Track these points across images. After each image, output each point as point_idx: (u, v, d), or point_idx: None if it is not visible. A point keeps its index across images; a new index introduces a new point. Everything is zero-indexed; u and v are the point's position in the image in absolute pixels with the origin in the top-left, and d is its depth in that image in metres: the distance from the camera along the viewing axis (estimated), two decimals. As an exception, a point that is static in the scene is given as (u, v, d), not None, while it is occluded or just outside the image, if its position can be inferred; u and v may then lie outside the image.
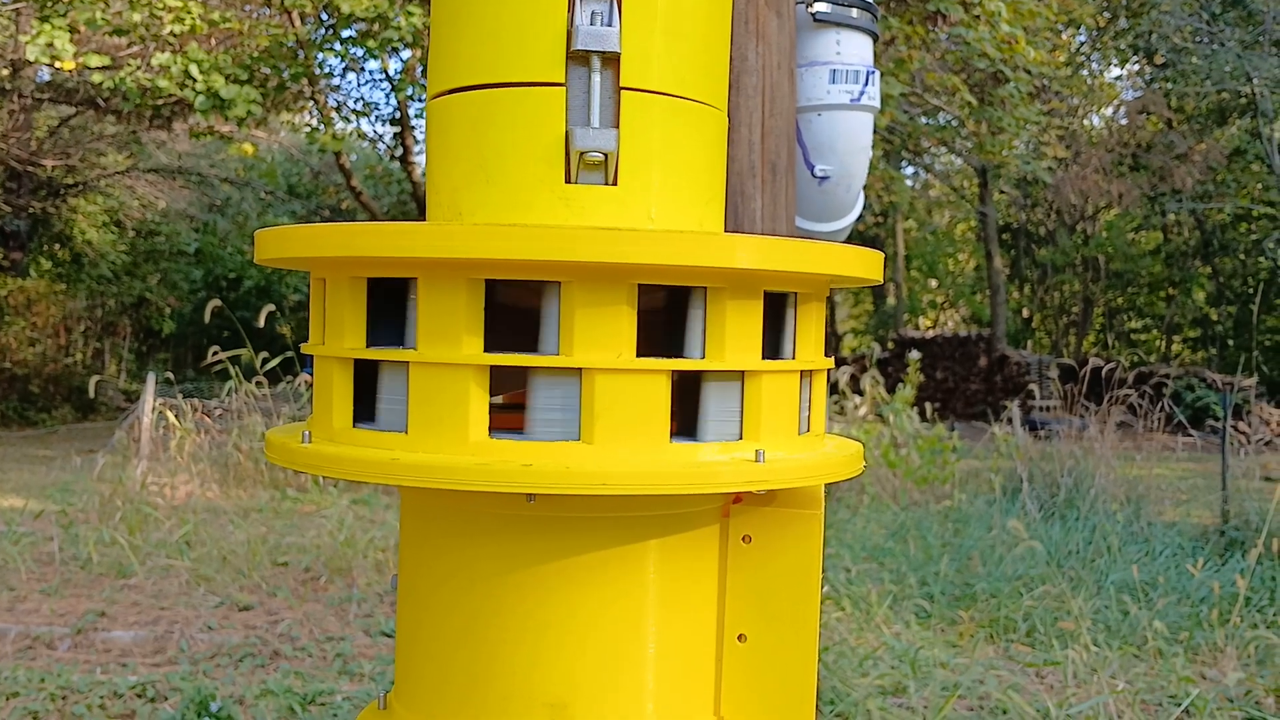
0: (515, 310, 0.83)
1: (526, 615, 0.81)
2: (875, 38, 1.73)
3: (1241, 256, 19.18)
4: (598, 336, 0.75)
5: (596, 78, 0.81)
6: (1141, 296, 21.57)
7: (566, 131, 0.81)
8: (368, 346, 0.81)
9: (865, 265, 0.84)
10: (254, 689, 3.57)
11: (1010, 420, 7.89)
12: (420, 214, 14.54)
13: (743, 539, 0.87)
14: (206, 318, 7.62)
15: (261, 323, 7.53)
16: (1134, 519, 6.33)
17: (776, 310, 0.85)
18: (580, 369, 0.76)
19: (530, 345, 0.79)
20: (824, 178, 1.73)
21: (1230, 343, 18.94)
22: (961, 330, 20.66)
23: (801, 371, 0.86)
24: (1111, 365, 7.88)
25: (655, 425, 0.77)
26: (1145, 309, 21.83)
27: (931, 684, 3.76)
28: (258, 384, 7.91)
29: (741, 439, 0.81)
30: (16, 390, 13.64)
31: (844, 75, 1.71)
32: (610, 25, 0.80)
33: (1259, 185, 17.49)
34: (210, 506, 6.59)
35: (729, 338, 0.79)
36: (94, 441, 10.88)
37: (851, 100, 1.71)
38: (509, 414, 0.86)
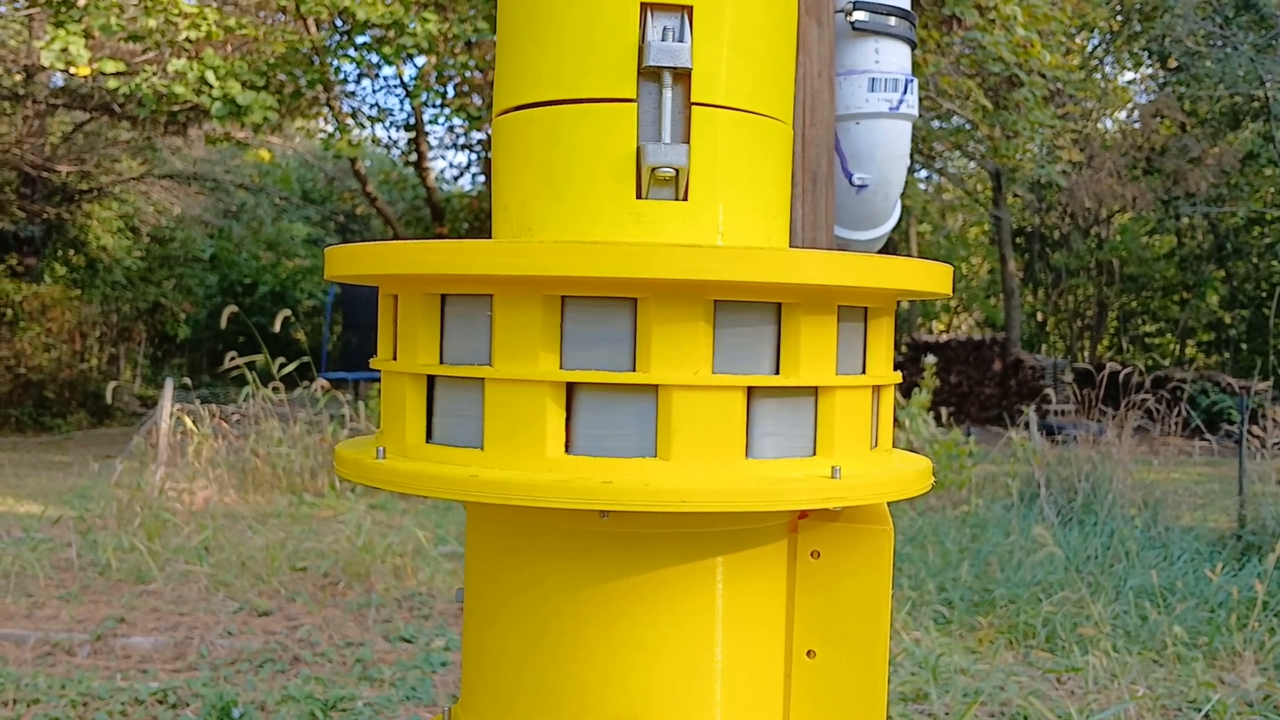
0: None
1: (600, 631, 0.81)
2: (914, 46, 1.73)
3: (1255, 260, 19.11)
4: (675, 353, 0.75)
5: (668, 93, 0.81)
6: (1155, 300, 21.50)
7: (638, 147, 0.81)
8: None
9: (936, 279, 0.84)
10: (275, 695, 3.57)
11: (1027, 425, 7.86)
12: (434, 218, 14.57)
13: (811, 554, 0.87)
14: (223, 323, 7.64)
15: (277, 328, 7.54)
16: (1151, 524, 6.31)
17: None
18: (657, 385, 0.76)
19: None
20: (862, 186, 1.73)
21: (1244, 346, 18.87)
22: (976, 334, 20.60)
23: (873, 386, 0.86)
24: (1128, 370, 7.85)
25: (731, 441, 0.77)
26: (1159, 313, 21.76)
27: (952, 690, 3.75)
28: (274, 389, 7.91)
29: (815, 455, 0.81)
30: (32, 396, 13.68)
31: (883, 84, 1.70)
32: (682, 41, 0.80)
33: (1272, 189, 17.44)
34: (228, 512, 6.60)
35: (803, 353, 0.79)
36: (110, 447, 10.91)
37: (890, 109, 1.70)
38: None
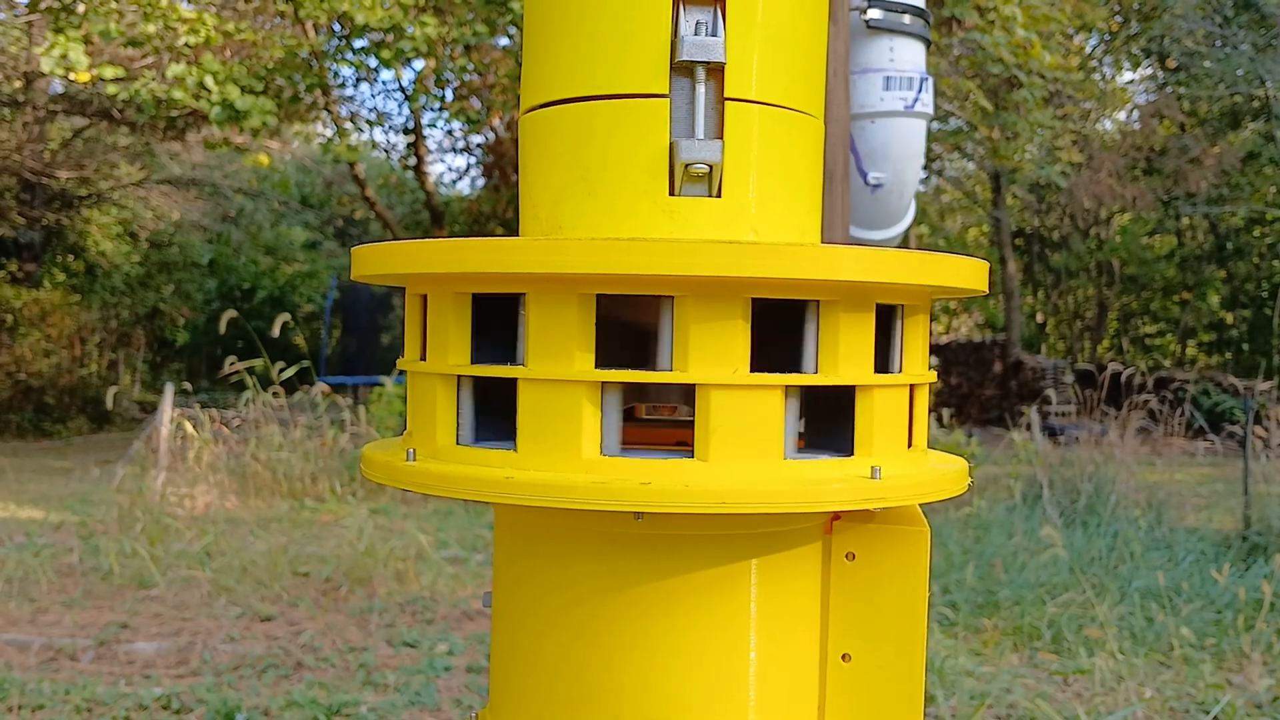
0: (622, 324, 0.81)
1: (635, 635, 0.80)
2: (929, 44, 1.72)
3: (1255, 260, 19.11)
4: (712, 351, 0.74)
5: (701, 88, 0.80)
6: (1156, 301, 21.51)
7: (671, 143, 0.80)
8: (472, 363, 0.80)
9: (974, 276, 0.83)
10: (279, 700, 3.57)
11: (1028, 426, 7.85)
12: (434, 223, 14.56)
13: (846, 556, 0.86)
14: (222, 328, 7.62)
15: (276, 332, 7.53)
16: (1156, 525, 6.30)
17: (885, 323, 0.84)
18: (694, 385, 0.75)
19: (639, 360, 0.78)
20: (877, 185, 1.72)
21: (1245, 347, 18.87)
22: (976, 336, 20.61)
23: (909, 385, 0.85)
24: (1130, 370, 7.85)
25: (770, 442, 0.76)
26: (1160, 313, 21.77)
27: (959, 693, 3.74)
28: (274, 394, 7.91)
29: (854, 455, 0.80)
30: (32, 401, 13.66)
31: (898, 82, 1.69)
32: (715, 35, 0.79)
33: (1272, 189, 17.43)
34: (229, 517, 6.59)
35: (842, 351, 0.78)
36: (110, 452, 10.90)
37: (905, 107, 1.69)
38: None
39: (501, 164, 15.41)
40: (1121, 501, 6.47)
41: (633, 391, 0.85)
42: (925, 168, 17.81)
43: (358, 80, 13.85)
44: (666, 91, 0.80)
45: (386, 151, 15.57)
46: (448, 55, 10.99)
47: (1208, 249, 19.76)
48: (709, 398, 0.75)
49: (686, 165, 0.79)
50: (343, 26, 10.33)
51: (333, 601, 4.85)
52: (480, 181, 18.24)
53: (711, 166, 0.80)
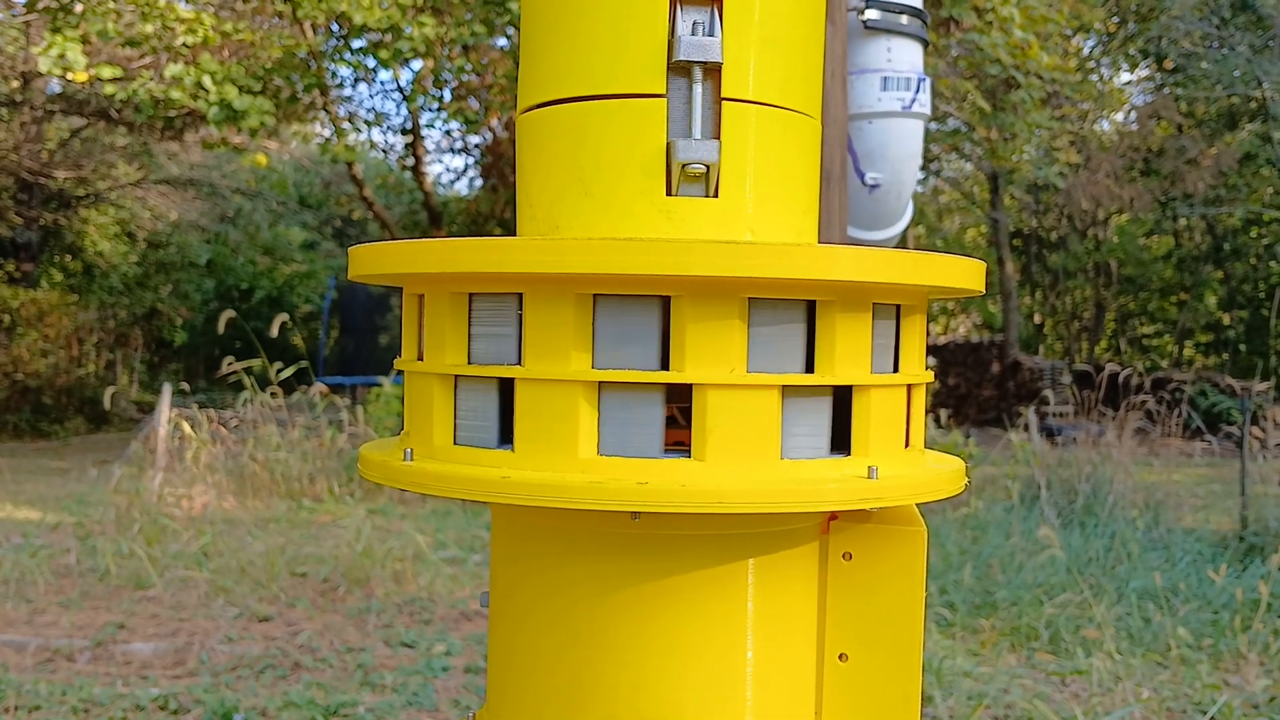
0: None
1: (632, 636, 0.80)
2: (926, 44, 1.72)
3: (1253, 261, 19.10)
4: (709, 351, 0.74)
5: (698, 88, 0.80)
6: (1153, 301, 21.51)
7: (668, 143, 0.80)
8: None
9: (971, 275, 0.83)
10: (276, 701, 3.56)
11: (1026, 427, 7.85)
12: (432, 223, 14.56)
13: (843, 556, 0.86)
14: (220, 328, 7.61)
15: (274, 333, 7.53)
16: (1153, 525, 6.30)
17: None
18: (691, 385, 0.75)
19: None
20: (874, 186, 1.72)
21: (1242, 348, 18.88)
22: (973, 336, 20.61)
23: (906, 385, 0.85)
24: (1128, 371, 7.86)
25: (767, 442, 0.76)
26: (1157, 314, 21.77)
27: (956, 693, 3.74)
28: (272, 394, 7.90)
29: (850, 455, 0.80)
30: (29, 402, 13.65)
31: (895, 83, 1.69)
32: (712, 35, 0.79)
33: (1270, 190, 17.43)
34: (227, 517, 6.59)
35: (838, 352, 0.78)
36: (107, 453, 10.89)
37: (903, 107, 1.69)
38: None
39: (500, 164, 15.41)
40: (1119, 502, 6.47)
41: None
42: (923, 168, 17.81)
43: (356, 80, 13.85)
44: (663, 91, 0.81)
45: (384, 152, 15.58)
46: (446, 55, 10.99)
47: (1205, 250, 19.76)
48: (706, 398, 0.75)
49: (683, 165, 0.79)
50: (341, 27, 10.33)
51: (330, 602, 4.85)
52: (478, 182, 18.24)
53: (708, 166, 0.80)
